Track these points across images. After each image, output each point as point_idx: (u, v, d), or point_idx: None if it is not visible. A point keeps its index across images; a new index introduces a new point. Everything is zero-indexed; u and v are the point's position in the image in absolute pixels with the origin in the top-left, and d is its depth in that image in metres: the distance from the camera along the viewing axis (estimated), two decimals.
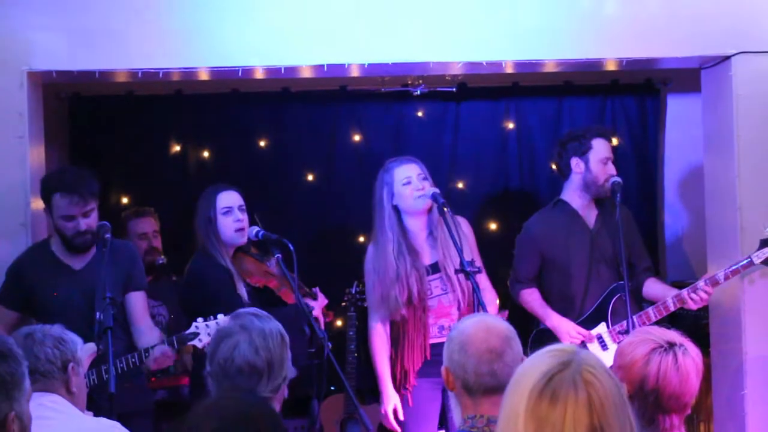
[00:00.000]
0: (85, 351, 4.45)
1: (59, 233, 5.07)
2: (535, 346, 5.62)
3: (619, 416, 2.09)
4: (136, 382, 5.17)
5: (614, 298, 5.46)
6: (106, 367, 4.67)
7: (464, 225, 5.48)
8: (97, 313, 4.80)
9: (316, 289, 5.60)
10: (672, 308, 5.39)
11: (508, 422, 2.12)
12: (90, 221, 5.05)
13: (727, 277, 5.31)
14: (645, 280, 5.64)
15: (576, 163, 5.64)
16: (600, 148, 5.61)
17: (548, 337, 5.50)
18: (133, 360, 4.87)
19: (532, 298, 5.67)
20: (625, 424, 2.10)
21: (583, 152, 5.62)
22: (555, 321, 5.53)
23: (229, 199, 5.42)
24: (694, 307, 5.37)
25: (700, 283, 5.32)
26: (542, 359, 2.15)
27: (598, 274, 5.54)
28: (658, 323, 5.23)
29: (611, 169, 5.61)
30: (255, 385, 3.25)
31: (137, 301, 5.22)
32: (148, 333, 5.16)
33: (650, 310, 5.40)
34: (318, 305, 5.55)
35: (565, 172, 5.71)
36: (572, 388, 2.07)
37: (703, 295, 5.32)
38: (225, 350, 3.27)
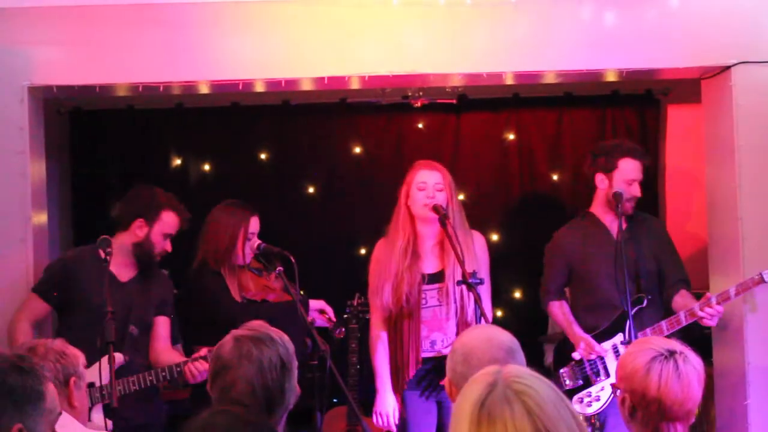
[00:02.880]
0: (114, 360, 4.63)
1: (142, 246, 5.25)
2: (559, 353, 5.61)
3: (562, 415, 2.08)
4: (150, 395, 5.28)
5: (634, 309, 5.45)
6: (133, 379, 5.03)
7: (478, 241, 5.49)
8: (130, 326, 5.07)
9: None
10: (684, 322, 5.38)
11: None
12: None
13: (737, 293, 5.31)
14: (675, 294, 5.57)
15: (601, 179, 5.65)
16: (626, 168, 5.58)
17: (571, 346, 5.58)
18: (164, 374, 5.09)
19: (560, 311, 5.72)
20: (571, 422, 2.09)
21: (608, 170, 5.61)
22: (575, 334, 5.57)
23: (257, 224, 5.56)
24: (708, 323, 5.36)
25: (712, 299, 5.32)
26: (471, 389, 2.15)
27: (624, 288, 5.54)
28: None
29: (636, 190, 5.59)
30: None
31: (164, 325, 5.43)
32: (166, 353, 5.38)
33: (663, 323, 5.41)
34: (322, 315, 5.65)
35: (592, 184, 5.71)
36: (506, 403, 2.07)
37: (712, 311, 5.30)
38: (223, 385, 3.18)
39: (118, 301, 5.01)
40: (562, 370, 5.61)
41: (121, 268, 5.26)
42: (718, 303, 5.30)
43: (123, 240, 5.28)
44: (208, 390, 3.23)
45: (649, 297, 5.50)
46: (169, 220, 5.30)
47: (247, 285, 5.54)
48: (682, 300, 5.51)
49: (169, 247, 5.34)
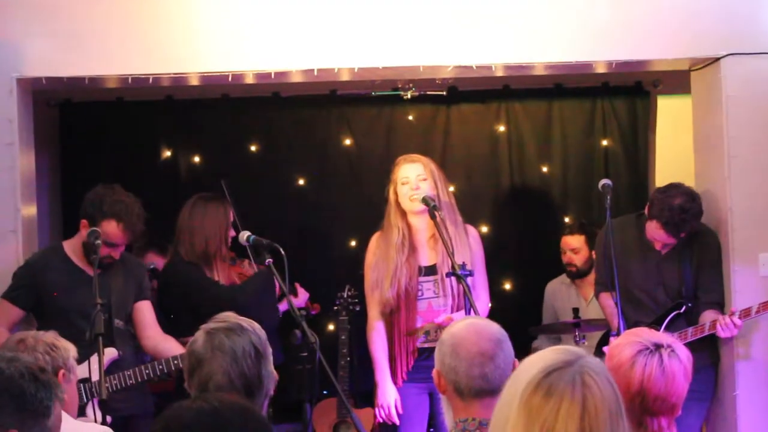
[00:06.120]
0: (107, 355, 4.70)
1: (87, 247, 5.08)
2: (602, 343, 5.66)
3: (612, 427, 2.05)
4: (138, 386, 5.25)
5: (672, 315, 5.53)
6: (129, 373, 5.04)
7: (472, 235, 5.51)
8: (115, 320, 5.02)
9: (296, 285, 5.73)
10: (706, 331, 5.42)
11: (502, 410, 2.11)
12: (122, 250, 5.25)
13: (758, 311, 5.32)
14: (704, 311, 5.56)
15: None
16: (651, 227, 5.56)
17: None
18: (161, 367, 5.09)
19: (606, 303, 5.79)
20: None
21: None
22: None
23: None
24: (721, 334, 5.36)
25: (735, 313, 5.34)
26: (547, 354, 2.13)
27: (655, 298, 5.63)
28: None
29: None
30: None
31: (148, 310, 5.36)
32: (164, 339, 5.32)
33: (689, 329, 5.46)
34: (301, 300, 5.73)
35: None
36: (569, 386, 2.05)
37: (728, 322, 5.32)
38: (200, 380, 3.16)
39: (89, 296, 4.94)
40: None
41: (85, 263, 5.15)
42: (740, 318, 5.33)
43: (78, 237, 5.25)
44: (186, 387, 3.21)
45: (689, 304, 5.54)
46: (109, 230, 5.08)
47: (222, 274, 5.60)
48: (709, 314, 5.52)
49: (116, 254, 5.19)
